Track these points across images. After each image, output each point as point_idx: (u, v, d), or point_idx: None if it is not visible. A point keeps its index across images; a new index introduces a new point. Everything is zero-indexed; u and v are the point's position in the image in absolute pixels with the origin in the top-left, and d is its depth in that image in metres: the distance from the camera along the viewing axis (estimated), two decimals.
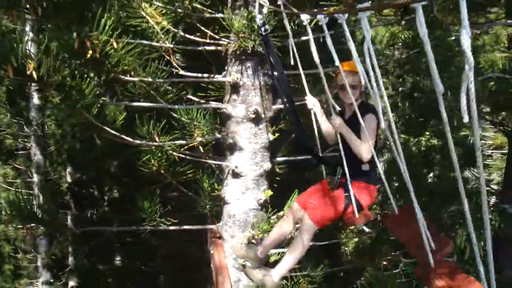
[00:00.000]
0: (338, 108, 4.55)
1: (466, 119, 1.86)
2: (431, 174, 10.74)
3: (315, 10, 5.37)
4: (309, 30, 3.94)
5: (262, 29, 4.38)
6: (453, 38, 9.08)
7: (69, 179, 11.68)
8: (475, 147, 1.92)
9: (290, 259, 4.29)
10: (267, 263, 4.84)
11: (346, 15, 2.89)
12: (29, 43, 10.91)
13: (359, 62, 3.08)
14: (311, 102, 4.81)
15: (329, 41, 3.54)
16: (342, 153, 4.32)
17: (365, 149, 4.15)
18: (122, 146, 6.81)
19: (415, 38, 6.70)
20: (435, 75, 2.00)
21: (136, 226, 6.20)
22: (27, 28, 10.69)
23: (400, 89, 11.39)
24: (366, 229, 5.02)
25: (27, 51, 3.92)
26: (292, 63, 4.80)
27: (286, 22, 4.45)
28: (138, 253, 11.61)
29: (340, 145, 4.37)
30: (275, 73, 4.68)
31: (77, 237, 10.81)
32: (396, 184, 9.00)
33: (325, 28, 3.59)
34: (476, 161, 6.88)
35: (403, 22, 7.70)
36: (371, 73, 2.72)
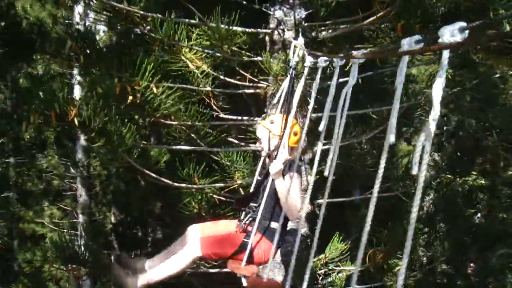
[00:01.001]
0: (287, 157, 4.36)
1: (414, 171, 1.80)
2: (478, 215, 10.49)
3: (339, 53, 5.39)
4: (305, 72, 3.93)
5: (293, 72, 4.36)
6: (497, 75, 8.96)
7: (113, 219, 11.83)
8: (414, 204, 1.84)
9: (161, 273, 4.04)
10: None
11: (343, 61, 2.89)
12: (76, 86, 11.26)
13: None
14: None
15: (314, 85, 3.52)
16: (263, 201, 4.00)
17: (298, 206, 3.92)
18: (166, 187, 6.89)
19: (456, 76, 6.64)
20: (392, 126, 1.96)
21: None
22: (75, 71, 11.01)
23: (444, 128, 11.27)
24: (244, 283, 4.78)
25: (69, 96, 4.03)
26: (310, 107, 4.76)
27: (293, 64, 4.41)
28: None
29: (266, 192, 4.01)
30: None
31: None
32: (443, 225, 8.82)
33: (319, 71, 3.58)
34: None
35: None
36: (339, 120, 2.69)
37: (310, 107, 3.99)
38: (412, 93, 7.01)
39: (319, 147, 3.22)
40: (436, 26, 4.89)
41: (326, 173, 3.18)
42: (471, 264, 10.02)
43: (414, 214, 1.80)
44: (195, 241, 4.04)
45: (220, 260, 4.47)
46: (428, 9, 4.58)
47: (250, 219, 4.19)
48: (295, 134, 4.18)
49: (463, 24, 1.66)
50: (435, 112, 1.75)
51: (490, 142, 7.37)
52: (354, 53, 2.40)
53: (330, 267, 6.14)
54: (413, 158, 1.79)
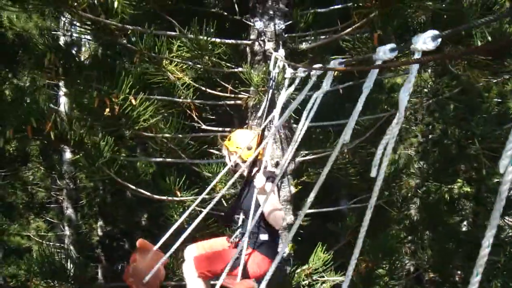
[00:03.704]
0: (272, 169, 4.39)
1: (373, 173, 1.82)
2: (465, 222, 10.51)
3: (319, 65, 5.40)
4: (286, 83, 3.96)
5: (273, 83, 4.37)
6: (481, 84, 9.02)
7: (100, 232, 11.76)
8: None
9: None
10: None
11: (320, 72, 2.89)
12: (62, 98, 11.22)
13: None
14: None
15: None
16: (241, 216, 4.17)
17: (280, 217, 4.01)
18: (151, 199, 6.87)
19: (438, 84, 6.70)
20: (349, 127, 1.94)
21: (166, 281, 6.17)
22: (61, 83, 10.95)
23: (430, 136, 11.32)
24: None
25: (46, 109, 4.02)
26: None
27: (287, 75, 4.44)
28: None
29: (243, 207, 4.19)
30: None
31: None
32: (428, 233, 8.84)
33: (296, 81, 3.56)
34: None
35: (429, 70, 7.68)
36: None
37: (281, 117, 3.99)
38: (395, 102, 7.04)
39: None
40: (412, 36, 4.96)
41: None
42: (458, 272, 10.05)
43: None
44: (190, 261, 4.08)
45: (214, 276, 4.51)
46: (405, 18, 4.62)
47: (239, 234, 4.21)
48: (249, 148, 4.19)
49: (436, 32, 1.67)
50: (400, 116, 1.75)
51: (472, 151, 7.38)
52: (331, 64, 2.38)
53: (314, 278, 6.12)
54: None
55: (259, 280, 4.26)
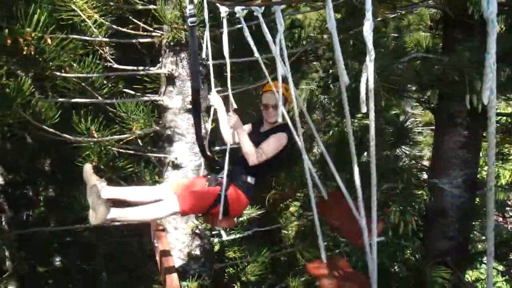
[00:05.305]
0: (235, 106, 4.57)
1: (363, 109, 1.95)
2: (365, 154, 11.03)
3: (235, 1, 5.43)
4: (225, 22, 4.01)
5: (189, 20, 4.35)
6: (378, 19, 9.34)
7: (1, 180, 11.31)
8: (370, 139, 1.96)
9: (134, 214, 3.95)
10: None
11: (263, 8, 2.92)
12: None
13: (278, 56, 3.03)
14: (214, 98, 4.85)
15: (246, 33, 3.53)
16: (227, 155, 4.29)
17: (254, 153, 4.18)
18: (55, 144, 6.68)
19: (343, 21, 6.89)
20: (341, 68, 2.06)
21: (78, 224, 6.13)
22: None
23: (330, 71, 11.62)
24: (223, 234, 5.09)
25: None
26: (204, 55, 4.77)
27: (206, 13, 4.45)
28: (78, 252, 11.41)
29: (228, 147, 4.39)
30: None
31: (14, 240, 10.49)
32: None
33: (242, 20, 3.59)
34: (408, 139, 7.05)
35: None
36: (282, 66, 2.76)
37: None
38: (302, 38, 7.18)
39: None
40: None
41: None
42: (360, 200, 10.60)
43: None
44: (172, 198, 4.05)
45: (196, 214, 4.56)
46: None
47: (222, 175, 4.31)
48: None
49: None
50: (370, 52, 1.84)
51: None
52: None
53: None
54: (360, 97, 1.90)
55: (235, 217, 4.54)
